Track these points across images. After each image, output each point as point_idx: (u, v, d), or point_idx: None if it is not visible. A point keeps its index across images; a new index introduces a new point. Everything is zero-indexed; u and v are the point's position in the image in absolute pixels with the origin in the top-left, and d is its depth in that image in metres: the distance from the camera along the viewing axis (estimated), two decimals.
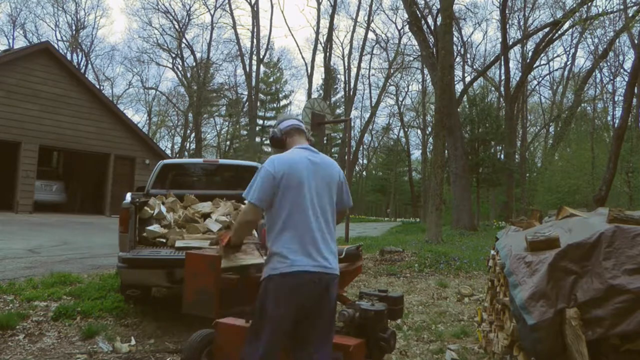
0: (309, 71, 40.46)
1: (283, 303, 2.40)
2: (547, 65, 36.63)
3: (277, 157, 2.58)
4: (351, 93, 39.91)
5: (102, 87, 36.98)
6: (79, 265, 7.38)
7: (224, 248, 2.73)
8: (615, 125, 19.43)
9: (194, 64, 39.60)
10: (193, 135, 41.39)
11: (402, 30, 37.10)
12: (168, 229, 5.14)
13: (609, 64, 29.46)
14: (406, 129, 47.69)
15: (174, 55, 40.01)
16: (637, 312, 2.66)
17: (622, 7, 18.63)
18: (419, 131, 45.05)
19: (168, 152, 36.82)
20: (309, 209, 2.48)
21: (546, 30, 26.25)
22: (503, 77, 28.71)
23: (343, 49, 43.90)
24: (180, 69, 40.31)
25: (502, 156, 26.83)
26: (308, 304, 2.44)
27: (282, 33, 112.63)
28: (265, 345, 2.40)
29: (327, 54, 38.75)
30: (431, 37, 21.85)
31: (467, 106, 26.77)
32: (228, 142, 45.85)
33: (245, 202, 2.56)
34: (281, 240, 2.45)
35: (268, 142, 2.98)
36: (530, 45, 30.78)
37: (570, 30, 27.70)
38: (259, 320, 2.45)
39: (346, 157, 20.35)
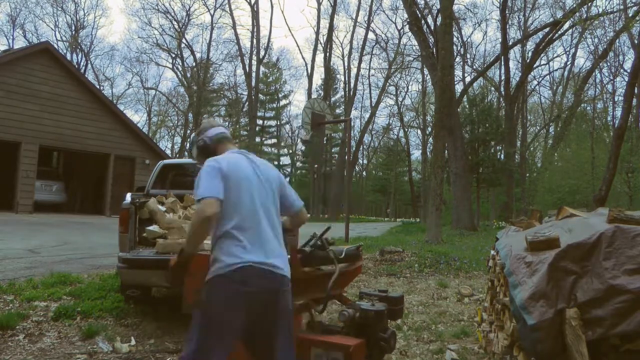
0: (309, 71, 40.59)
1: (231, 304, 2.21)
2: (547, 66, 36.75)
3: (217, 157, 2.47)
4: (351, 93, 39.95)
5: (102, 87, 37.01)
6: (79, 265, 7.38)
7: (172, 271, 2.43)
8: (615, 125, 19.44)
9: (194, 64, 39.69)
10: (193, 135, 41.36)
11: (402, 30, 37.18)
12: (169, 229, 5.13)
13: (609, 64, 29.55)
14: (406, 129, 47.80)
15: (173, 56, 40.10)
16: (637, 312, 2.66)
17: (622, 7, 18.67)
18: (419, 131, 45.13)
19: (168, 152, 36.87)
20: (258, 206, 2.37)
21: (546, 30, 26.27)
22: (503, 77, 28.73)
23: (343, 49, 44.03)
24: (180, 69, 40.39)
25: (502, 156, 26.84)
26: (257, 308, 2.25)
27: (282, 33, 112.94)
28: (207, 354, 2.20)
29: (327, 54, 38.82)
30: (431, 37, 21.86)
31: (467, 106, 26.78)
32: None
33: (197, 203, 2.31)
34: (226, 238, 2.30)
35: (193, 152, 2.89)
36: (530, 45, 30.85)
37: (570, 30, 27.73)
38: (203, 329, 2.25)
39: (346, 157, 20.38)
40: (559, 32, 26.71)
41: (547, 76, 37.58)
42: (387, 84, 41.61)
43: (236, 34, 38.69)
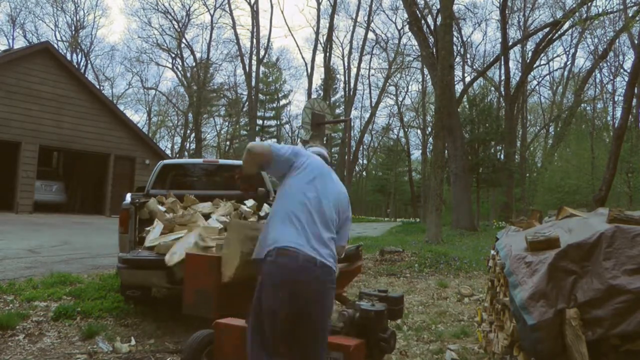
0: (309, 71, 40.52)
1: (276, 291, 2.25)
2: (547, 66, 36.70)
3: (308, 150, 2.64)
4: (351, 93, 39.92)
5: (101, 87, 37.00)
6: (79, 265, 7.38)
7: (238, 181, 2.59)
8: (615, 125, 19.45)
9: (194, 64, 39.66)
10: (193, 135, 41.43)
11: (402, 30, 37.17)
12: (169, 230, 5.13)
13: (608, 64, 29.57)
14: (406, 129, 47.75)
15: (173, 55, 40.09)
16: (637, 313, 2.66)
17: (622, 7, 18.67)
18: (419, 131, 45.10)
19: (168, 152, 36.82)
20: (317, 209, 2.38)
21: (546, 30, 26.28)
22: (503, 77, 28.74)
23: (343, 49, 43.94)
24: (180, 69, 40.39)
25: (502, 156, 26.83)
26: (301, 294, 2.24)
27: (281, 33, 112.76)
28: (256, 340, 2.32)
29: (327, 54, 38.75)
30: (431, 37, 21.85)
31: (467, 106, 26.77)
32: (228, 142, 45.88)
33: None
34: (278, 219, 2.36)
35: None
36: (530, 45, 30.86)
37: (570, 30, 27.76)
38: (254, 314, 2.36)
39: (346, 157, 20.41)
40: (559, 32, 26.73)
41: (547, 76, 37.66)
42: (387, 83, 41.63)
43: (236, 34, 38.71)
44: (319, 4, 39.37)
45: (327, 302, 2.35)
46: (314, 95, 38.25)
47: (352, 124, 39.00)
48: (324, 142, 39.10)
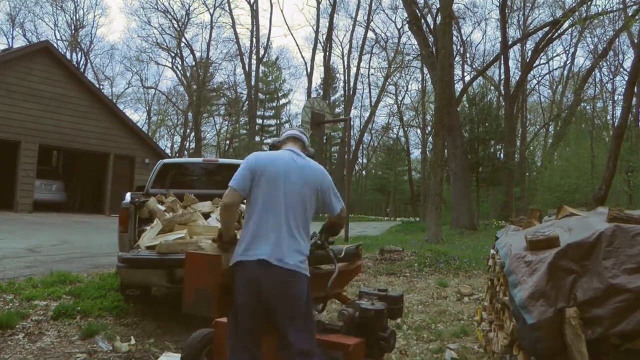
0: (309, 70, 40.56)
1: (239, 291, 2.55)
2: (547, 65, 36.64)
3: (260, 152, 2.82)
4: (351, 92, 39.92)
5: (101, 87, 36.97)
6: (79, 264, 7.38)
7: (219, 244, 2.81)
8: (615, 124, 19.45)
9: (194, 63, 39.64)
10: (193, 134, 41.42)
11: (401, 29, 37.14)
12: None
13: (608, 63, 29.58)
14: (406, 129, 47.75)
15: (173, 55, 40.06)
16: (637, 312, 2.66)
17: (621, 6, 18.65)
18: (419, 131, 45.09)
19: (168, 151, 36.83)
20: (282, 204, 2.59)
21: (546, 29, 26.24)
22: (503, 77, 28.71)
23: (343, 49, 43.92)
24: (180, 68, 40.36)
25: (502, 156, 26.81)
26: (266, 296, 2.50)
27: (281, 32, 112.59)
28: (233, 337, 2.59)
29: (327, 53, 38.77)
30: (431, 36, 21.84)
31: (467, 106, 26.75)
32: (228, 142, 45.86)
33: None
34: (247, 229, 2.60)
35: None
36: (530, 44, 30.83)
37: (570, 29, 27.70)
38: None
39: (346, 157, 20.39)
40: (559, 32, 26.68)
41: (547, 75, 37.58)
42: (387, 83, 41.62)
43: (236, 34, 38.71)
44: (318, 3, 39.39)
45: (293, 291, 2.54)
46: (313, 95, 38.26)
47: (352, 124, 38.91)
48: (324, 141, 39.15)
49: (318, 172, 2.79)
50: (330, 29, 38.15)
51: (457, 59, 30.44)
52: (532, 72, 31.62)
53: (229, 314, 2.64)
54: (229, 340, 2.62)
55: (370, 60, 44.26)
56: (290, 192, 2.62)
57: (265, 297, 2.49)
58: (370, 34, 39.63)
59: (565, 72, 35.19)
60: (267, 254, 2.50)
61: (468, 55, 34.61)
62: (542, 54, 29.74)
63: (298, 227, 2.61)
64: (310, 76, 39.79)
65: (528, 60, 29.20)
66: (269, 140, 2.92)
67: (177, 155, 39.98)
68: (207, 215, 5.47)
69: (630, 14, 16.92)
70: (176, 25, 38.75)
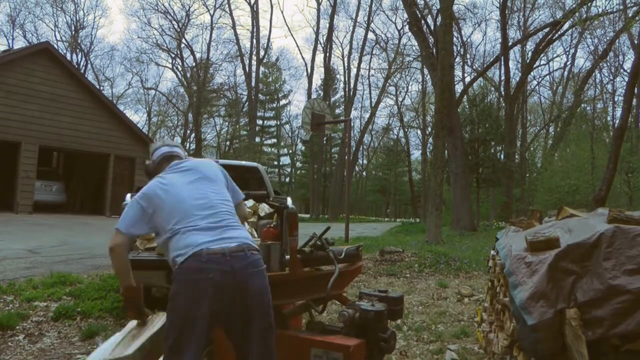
0: (309, 71, 40.55)
1: (190, 297, 2.13)
2: (547, 66, 36.69)
3: (150, 183, 2.53)
4: (351, 93, 39.91)
5: (101, 87, 36.99)
6: (79, 265, 7.37)
7: (130, 314, 2.57)
8: (615, 125, 19.44)
9: (194, 64, 39.66)
10: (193, 135, 41.42)
11: (401, 30, 37.17)
12: None
13: (608, 64, 29.58)
14: (406, 129, 47.75)
15: (173, 56, 40.11)
16: (637, 313, 2.66)
17: (621, 7, 18.66)
18: (419, 131, 45.08)
19: None
20: (194, 209, 2.35)
21: (546, 30, 26.26)
22: (503, 78, 28.71)
23: (343, 49, 43.98)
24: (180, 69, 40.40)
25: (502, 156, 26.81)
26: (222, 292, 2.14)
27: (281, 33, 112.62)
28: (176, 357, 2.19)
29: (327, 54, 38.79)
30: (431, 37, 21.83)
31: (467, 106, 26.76)
32: (228, 143, 45.84)
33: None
34: (175, 246, 2.27)
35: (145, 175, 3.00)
36: (530, 45, 30.85)
37: (570, 30, 27.73)
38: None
39: (346, 158, 20.39)
40: (559, 32, 26.70)
41: (547, 76, 37.61)
42: (387, 84, 41.62)
43: (236, 34, 38.75)
44: (318, 4, 39.44)
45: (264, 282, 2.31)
46: (313, 96, 38.27)
47: (352, 124, 38.97)
48: (324, 142, 39.17)
49: (207, 165, 2.65)
50: (330, 29, 38.21)
51: (457, 59, 30.49)
52: (532, 73, 31.67)
53: (165, 331, 2.21)
54: None
55: (370, 61, 44.29)
56: (195, 197, 2.40)
57: (231, 297, 2.16)
58: (370, 35, 39.71)
59: (565, 73, 35.27)
60: (210, 240, 2.20)
61: (468, 56, 34.70)
62: (542, 55, 29.78)
63: (223, 219, 2.37)
64: (310, 77, 39.84)
65: (528, 61, 29.23)
66: (148, 160, 2.81)
67: None
68: None
69: (630, 15, 16.93)
70: (176, 26, 38.83)
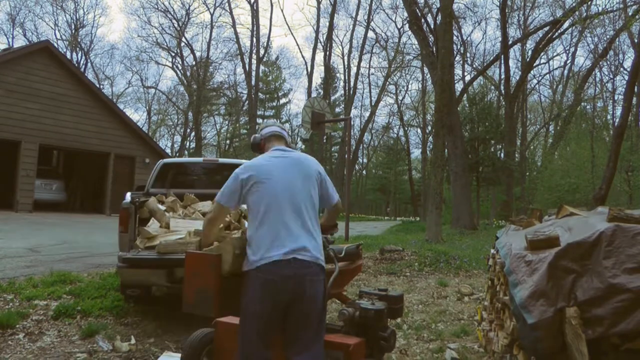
0: (309, 70, 40.51)
1: (259, 298, 2.45)
2: (547, 64, 36.62)
3: (248, 162, 2.77)
4: (351, 92, 39.88)
5: (101, 86, 36.97)
6: (79, 264, 7.38)
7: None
8: (615, 123, 19.45)
9: (194, 62, 39.63)
10: (193, 134, 41.40)
11: (401, 29, 37.10)
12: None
13: (608, 62, 29.58)
14: (406, 128, 47.72)
15: (173, 54, 40.06)
16: (637, 311, 2.66)
17: (622, 6, 18.63)
18: (419, 130, 45.08)
19: (168, 151, 36.78)
20: (284, 203, 2.55)
21: (546, 29, 26.22)
22: (503, 76, 28.68)
23: (343, 48, 43.93)
24: (180, 67, 40.35)
25: (502, 155, 26.81)
26: (285, 297, 2.44)
27: (281, 32, 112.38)
28: (246, 344, 2.50)
29: (327, 52, 38.73)
30: (431, 36, 21.81)
31: (467, 105, 26.75)
32: (228, 141, 45.85)
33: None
34: (257, 235, 2.53)
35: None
36: (530, 44, 30.82)
37: (570, 29, 27.69)
38: (242, 318, 2.54)
39: (346, 156, 20.36)
40: (559, 31, 26.66)
41: (547, 75, 37.55)
42: (387, 82, 41.57)
43: (236, 33, 38.68)
44: (319, 2, 39.36)
45: (319, 289, 2.53)
46: (313, 94, 38.25)
47: (352, 123, 38.87)
48: (324, 140, 39.15)
49: (311, 164, 2.78)
50: (330, 28, 38.15)
51: (457, 58, 30.46)
52: (532, 72, 31.64)
53: (241, 320, 2.55)
54: (242, 348, 2.52)
55: (370, 59, 44.37)
56: (289, 191, 2.59)
57: (291, 298, 2.43)
58: (370, 34, 39.65)
59: (565, 72, 35.22)
60: (294, 251, 2.45)
61: (468, 55, 34.64)
62: (542, 54, 29.76)
63: (306, 222, 2.57)
64: (310, 75, 39.80)
65: (528, 59, 29.19)
66: (256, 134, 2.90)
67: (177, 154, 39.97)
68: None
69: (630, 14, 16.90)
70: (176, 25, 38.77)
